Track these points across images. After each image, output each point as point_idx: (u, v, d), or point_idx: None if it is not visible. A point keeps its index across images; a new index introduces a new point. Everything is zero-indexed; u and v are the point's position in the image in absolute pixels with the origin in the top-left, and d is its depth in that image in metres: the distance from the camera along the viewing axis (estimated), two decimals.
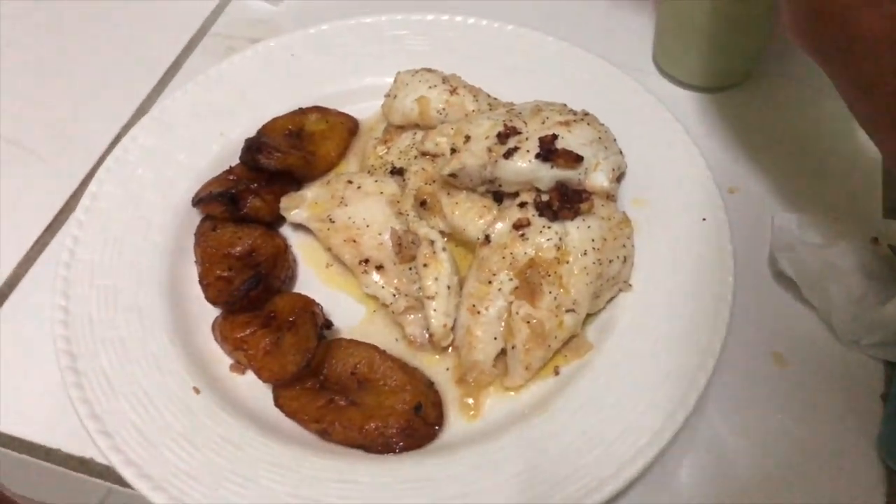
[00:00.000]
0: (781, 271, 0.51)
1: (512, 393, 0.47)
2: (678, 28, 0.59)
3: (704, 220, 0.50)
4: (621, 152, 0.52)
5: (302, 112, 0.59)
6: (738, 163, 0.58)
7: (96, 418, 0.44)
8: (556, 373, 0.47)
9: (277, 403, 0.45)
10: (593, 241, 0.47)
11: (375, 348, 0.47)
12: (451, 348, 0.49)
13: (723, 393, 0.47)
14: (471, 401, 0.47)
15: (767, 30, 0.58)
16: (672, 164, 0.53)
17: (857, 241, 0.50)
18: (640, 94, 0.57)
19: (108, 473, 0.47)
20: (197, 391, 0.46)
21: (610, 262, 0.48)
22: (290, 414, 0.45)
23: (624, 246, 0.49)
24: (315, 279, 0.53)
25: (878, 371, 0.48)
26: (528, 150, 0.49)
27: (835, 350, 0.49)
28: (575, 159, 0.48)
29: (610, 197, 0.50)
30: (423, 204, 0.52)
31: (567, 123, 0.50)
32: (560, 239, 0.47)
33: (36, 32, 0.71)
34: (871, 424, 0.46)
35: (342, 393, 0.46)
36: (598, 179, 0.49)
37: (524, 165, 0.48)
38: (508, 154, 0.49)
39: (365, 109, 0.60)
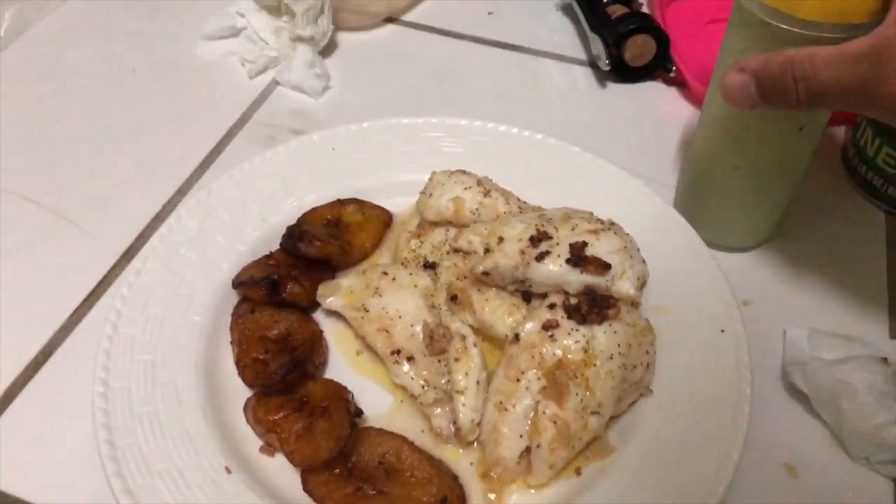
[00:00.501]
0: (793, 384, 0.53)
1: (533, 491, 0.48)
2: (700, 185, 0.61)
3: (723, 331, 0.53)
4: (644, 261, 0.55)
5: (340, 203, 0.62)
6: (753, 276, 0.61)
7: (130, 494, 0.45)
8: (578, 473, 0.49)
9: (306, 488, 0.46)
10: (619, 346, 0.50)
11: (404, 439, 0.49)
12: (475, 443, 0.50)
13: (736, 501, 0.48)
14: (493, 496, 0.48)
15: (789, 196, 0.59)
16: (692, 276, 0.56)
17: (867, 359, 0.52)
18: (662, 206, 0.60)
19: None
20: (228, 471, 0.47)
21: (634, 367, 0.50)
22: (319, 499, 0.46)
23: (647, 352, 0.51)
24: (345, 366, 0.55)
25: (887, 487, 0.50)
26: (559, 255, 0.52)
27: (845, 464, 0.51)
28: (604, 267, 0.51)
29: (634, 304, 0.52)
30: (453, 298, 0.55)
31: (595, 232, 0.53)
32: (587, 342, 0.49)
33: (86, 110, 0.75)
34: None
35: (369, 482, 0.47)
36: (625, 287, 0.52)
37: (555, 269, 0.51)
38: (540, 257, 0.52)
39: (399, 204, 0.64)
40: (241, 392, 0.52)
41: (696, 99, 0.74)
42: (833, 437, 0.52)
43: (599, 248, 0.53)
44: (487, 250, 0.54)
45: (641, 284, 0.54)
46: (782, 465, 0.51)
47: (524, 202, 0.61)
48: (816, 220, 0.65)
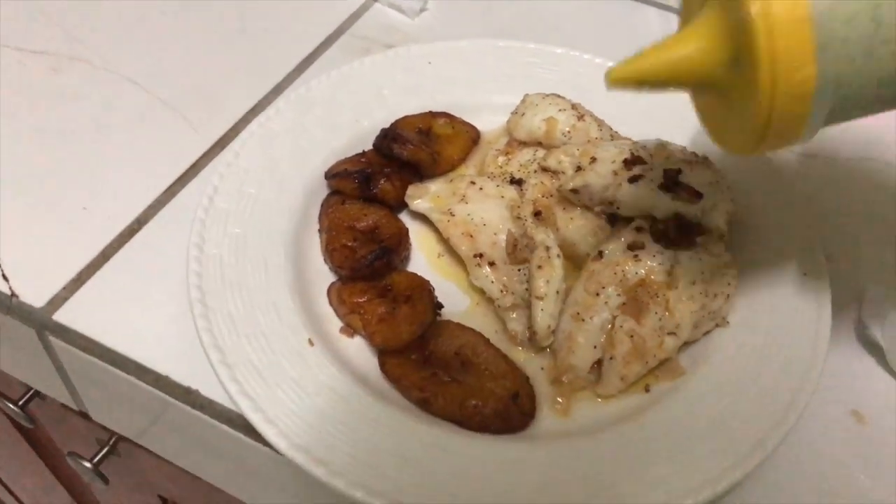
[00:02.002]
0: (869, 337, 0.53)
1: (600, 401, 0.49)
2: None
3: (805, 274, 0.52)
4: (733, 200, 0.55)
5: (432, 115, 0.63)
6: (834, 232, 0.60)
7: (219, 350, 0.47)
8: (647, 390, 0.49)
9: (383, 369, 0.48)
10: (703, 273, 0.50)
11: (481, 335, 0.50)
12: (548, 349, 0.51)
13: (801, 438, 0.49)
14: (561, 401, 0.49)
15: None
16: (778, 218, 0.56)
17: None
18: None
19: (209, 407, 0.49)
20: (311, 343, 0.48)
21: (714, 296, 0.50)
22: (394, 379, 0.47)
23: (729, 284, 0.51)
24: (426, 267, 0.56)
25: None
26: (651, 180, 0.52)
27: None
28: (696, 195, 0.51)
29: (721, 238, 0.52)
30: (537, 214, 0.55)
31: (689, 163, 0.53)
32: (672, 266, 0.50)
33: (197, 8, 0.77)
34: None
35: (445, 370, 0.48)
36: (714, 219, 0.52)
37: (647, 192, 0.51)
38: (633, 180, 0.52)
39: (487, 123, 0.64)
40: (324, 278, 0.54)
41: None
42: None
43: (692, 178, 0.53)
44: (579, 168, 0.55)
45: (729, 220, 0.54)
46: (850, 411, 0.51)
47: (616, 132, 0.61)
48: None
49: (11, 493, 1.30)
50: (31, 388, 0.73)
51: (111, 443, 0.72)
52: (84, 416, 0.67)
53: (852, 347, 0.54)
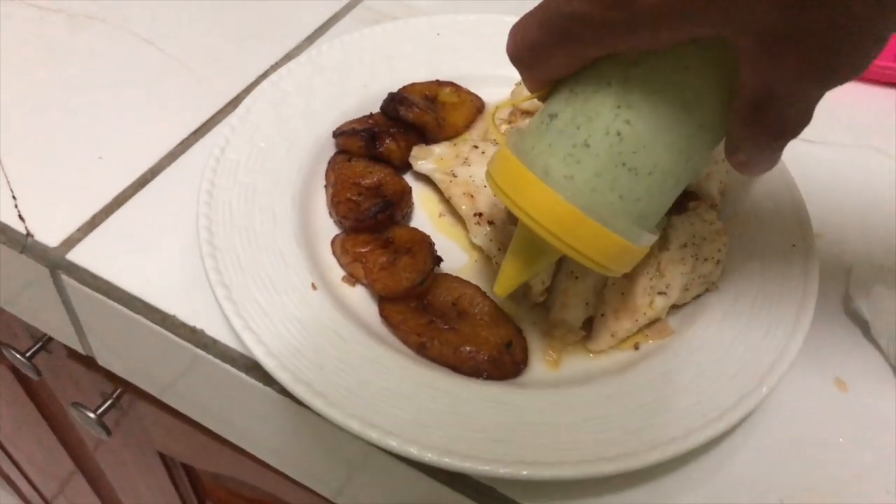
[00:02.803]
0: (854, 311, 0.55)
1: (591, 356, 0.51)
2: None
3: (794, 245, 0.54)
4: (727, 172, 0.57)
5: (438, 83, 0.65)
6: (824, 212, 0.62)
7: (225, 287, 0.48)
8: (636, 348, 0.51)
9: (383, 314, 0.50)
10: (694, 237, 0.52)
11: (477, 288, 0.52)
12: (542, 306, 0.53)
13: (783, 402, 0.50)
14: (553, 353, 0.51)
15: None
16: (770, 193, 0.58)
17: None
18: None
19: (213, 346, 0.51)
20: (314, 287, 0.50)
21: (705, 260, 0.52)
22: (393, 325, 0.49)
23: (719, 250, 0.53)
24: (428, 225, 0.58)
25: None
26: None
27: (894, 389, 0.52)
28: None
29: (713, 206, 0.54)
30: None
31: None
32: (664, 228, 0.52)
33: None
34: None
35: (442, 318, 0.50)
36: (708, 188, 0.53)
37: None
38: None
39: (492, 94, 0.66)
40: (328, 232, 0.56)
41: None
42: (887, 365, 0.53)
43: None
44: None
45: (723, 190, 0.56)
46: (833, 378, 0.52)
47: None
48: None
49: (11, 458, 1.31)
50: (38, 341, 0.75)
51: (115, 395, 0.73)
52: (89, 365, 0.69)
53: (839, 319, 0.56)
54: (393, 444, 0.42)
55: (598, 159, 0.38)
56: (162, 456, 0.84)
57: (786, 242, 0.55)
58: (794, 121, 0.36)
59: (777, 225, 0.56)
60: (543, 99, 0.43)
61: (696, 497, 0.46)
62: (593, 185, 0.38)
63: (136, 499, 1.04)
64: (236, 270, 0.50)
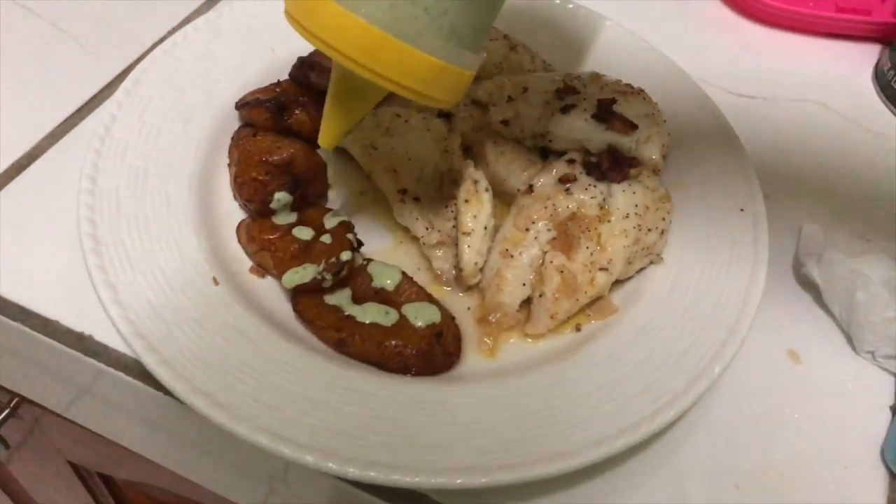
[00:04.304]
0: (805, 276, 0.52)
1: (530, 341, 0.46)
2: None
3: (742, 210, 0.51)
4: (669, 134, 0.53)
5: None
6: (771, 171, 0.59)
7: (111, 287, 0.42)
8: (578, 329, 0.47)
9: (296, 309, 0.44)
10: (636, 206, 0.47)
11: (403, 273, 0.47)
12: (476, 288, 0.48)
13: (736, 379, 0.47)
14: (488, 341, 0.46)
15: None
16: (714, 154, 0.54)
17: (883, 256, 0.51)
18: (688, 82, 0.58)
19: (104, 353, 0.45)
20: (216, 282, 0.44)
21: (648, 231, 0.48)
22: (308, 320, 0.44)
23: (663, 219, 0.49)
24: (346, 204, 0.52)
25: (888, 382, 0.48)
26: (585, 109, 0.49)
27: (849, 357, 0.49)
28: (631, 126, 0.49)
29: (656, 171, 0.50)
30: (466, 150, 0.52)
31: (624, 93, 0.51)
32: (604, 199, 0.47)
33: None
34: (876, 432, 0.46)
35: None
36: (649, 151, 0.49)
37: (580, 123, 0.49)
38: (565, 110, 0.49)
39: None
40: (234, 217, 0.50)
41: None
42: (839, 330, 0.50)
43: (627, 109, 0.50)
44: (510, 99, 0.51)
45: (665, 153, 0.52)
46: (786, 351, 0.49)
47: (549, 63, 0.58)
48: (840, 128, 0.63)
49: None
50: None
51: (12, 405, 0.66)
52: None
53: (789, 286, 0.53)
54: (309, 459, 0.37)
55: None
56: (74, 465, 0.77)
57: (733, 206, 0.51)
58: None
59: (723, 188, 0.52)
60: None
61: (647, 490, 0.42)
62: (392, 0, 0.34)
63: None
64: (124, 267, 0.43)
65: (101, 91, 0.57)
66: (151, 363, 0.39)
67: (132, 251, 0.44)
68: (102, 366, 0.45)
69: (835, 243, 0.53)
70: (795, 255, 0.54)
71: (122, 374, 0.44)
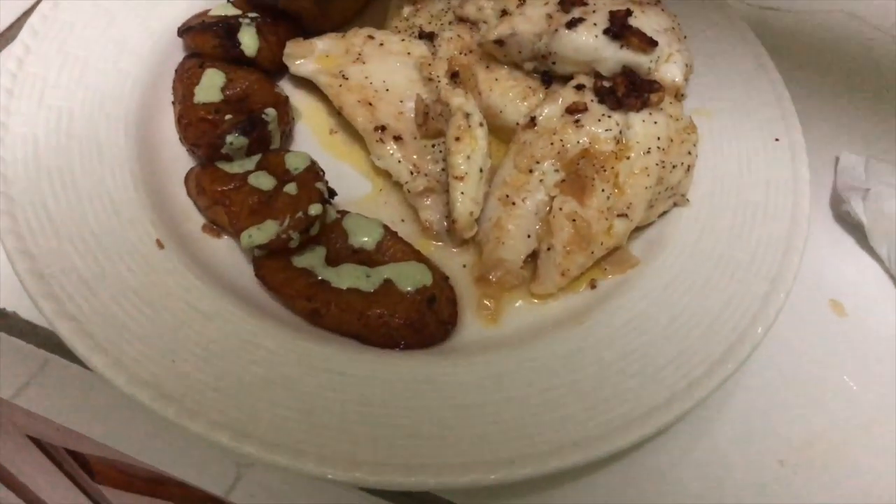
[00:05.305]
0: (847, 214, 0.45)
1: (536, 302, 0.40)
2: None
3: (777, 140, 0.43)
4: (691, 51, 0.45)
5: None
6: (799, 92, 0.51)
7: (29, 256, 0.34)
8: (593, 286, 0.40)
9: (259, 274, 0.37)
10: (659, 139, 0.40)
11: (386, 227, 0.39)
12: (472, 243, 0.41)
13: (772, 338, 0.41)
14: (489, 304, 0.39)
15: None
16: (742, 76, 0.46)
17: None
18: None
19: (31, 333, 0.38)
20: (160, 245, 0.37)
21: (673, 167, 0.41)
22: (274, 288, 0.37)
23: (689, 153, 0.42)
24: (316, 145, 0.44)
25: None
26: (594, 24, 0.41)
27: None
28: (650, 43, 0.41)
29: (679, 96, 0.43)
30: (454, 76, 0.44)
31: (640, 4, 0.43)
32: (621, 132, 0.40)
33: None
34: None
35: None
36: (672, 72, 0.42)
37: (589, 40, 0.41)
38: (572, 24, 0.41)
39: None
40: (181, 164, 0.42)
41: None
42: (886, 274, 0.44)
43: (643, 23, 0.42)
44: (504, 13, 0.43)
45: (687, 76, 0.44)
46: (828, 301, 0.43)
47: None
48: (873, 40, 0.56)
49: None
50: None
51: None
52: None
53: (827, 226, 0.46)
54: (280, 460, 0.31)
55: None
56: (36, 440, 0.71)
57: (767, 136, 0.44)
58: None
59: (755, 115, 0.45)
60: None
61: (675, 476, 0.36)
62: None
63: (33, 484, 0.91)
64: (46, 231, 0.36)
65: (17, 21, 0.48)
66: (82, 350, 0.32)
67: (55, 212, 0.36)
68: (33, 347, 0.37)
69: (878, 175, 0.46)
70: (833, 189, 0.47)
71: (59, 358, 0.37)
